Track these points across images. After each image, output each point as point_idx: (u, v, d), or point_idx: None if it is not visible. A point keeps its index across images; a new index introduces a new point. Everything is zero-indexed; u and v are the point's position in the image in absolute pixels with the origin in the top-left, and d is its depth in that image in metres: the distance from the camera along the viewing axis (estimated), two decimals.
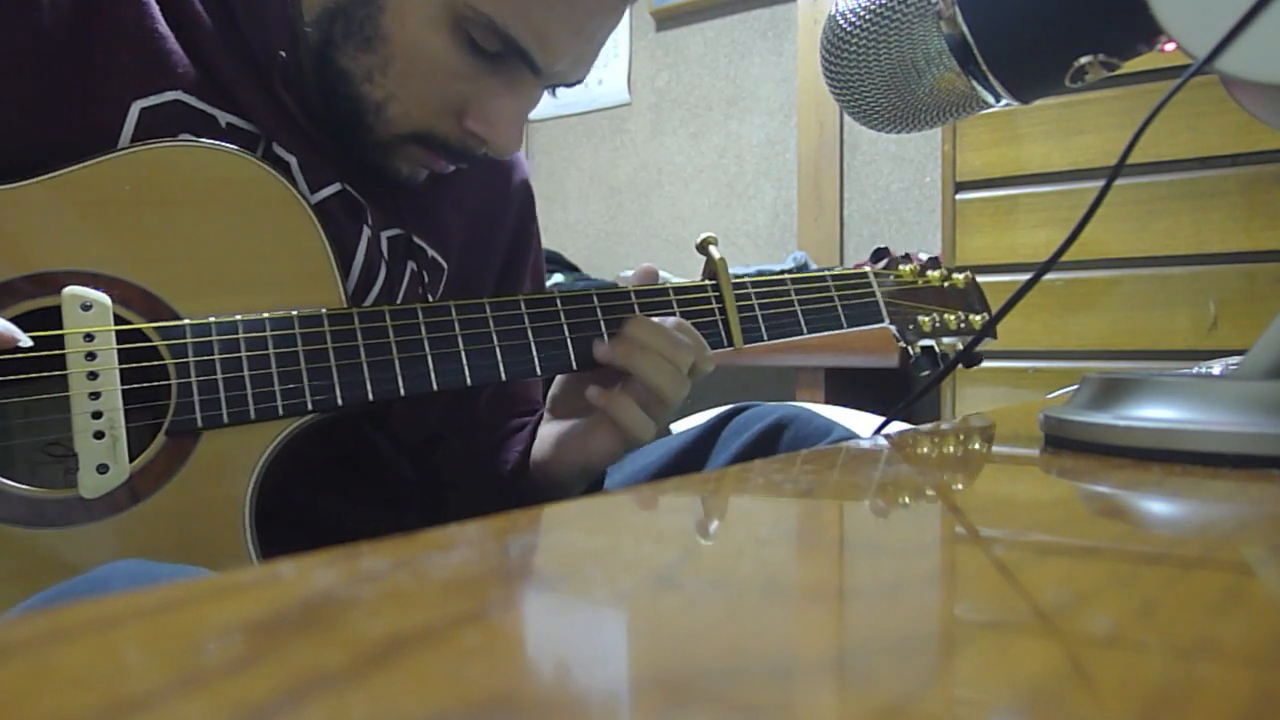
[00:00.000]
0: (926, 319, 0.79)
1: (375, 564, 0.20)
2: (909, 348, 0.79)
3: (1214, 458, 0.33)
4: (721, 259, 0.74)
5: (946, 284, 0.83)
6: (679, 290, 0.72)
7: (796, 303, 0.75)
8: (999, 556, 0.23)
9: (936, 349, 0.80)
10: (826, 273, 0.78)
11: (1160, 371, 0.40)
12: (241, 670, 0.14)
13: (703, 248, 0.75)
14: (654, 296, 0.70)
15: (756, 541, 0.25)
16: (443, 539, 0.22)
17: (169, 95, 0.62)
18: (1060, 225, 1.49)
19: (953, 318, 0.81)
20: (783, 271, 0.78)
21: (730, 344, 0.71)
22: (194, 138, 0.62)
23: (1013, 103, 0.52)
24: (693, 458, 0.80)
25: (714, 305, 0.72)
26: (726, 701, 0.13)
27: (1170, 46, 0.42)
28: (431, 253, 0.75)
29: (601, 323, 0.68)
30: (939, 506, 0.32)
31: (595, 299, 0.69)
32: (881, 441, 0.44)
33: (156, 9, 0.62)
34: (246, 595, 0.19)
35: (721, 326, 0.72)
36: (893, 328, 0.78)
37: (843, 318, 0.76)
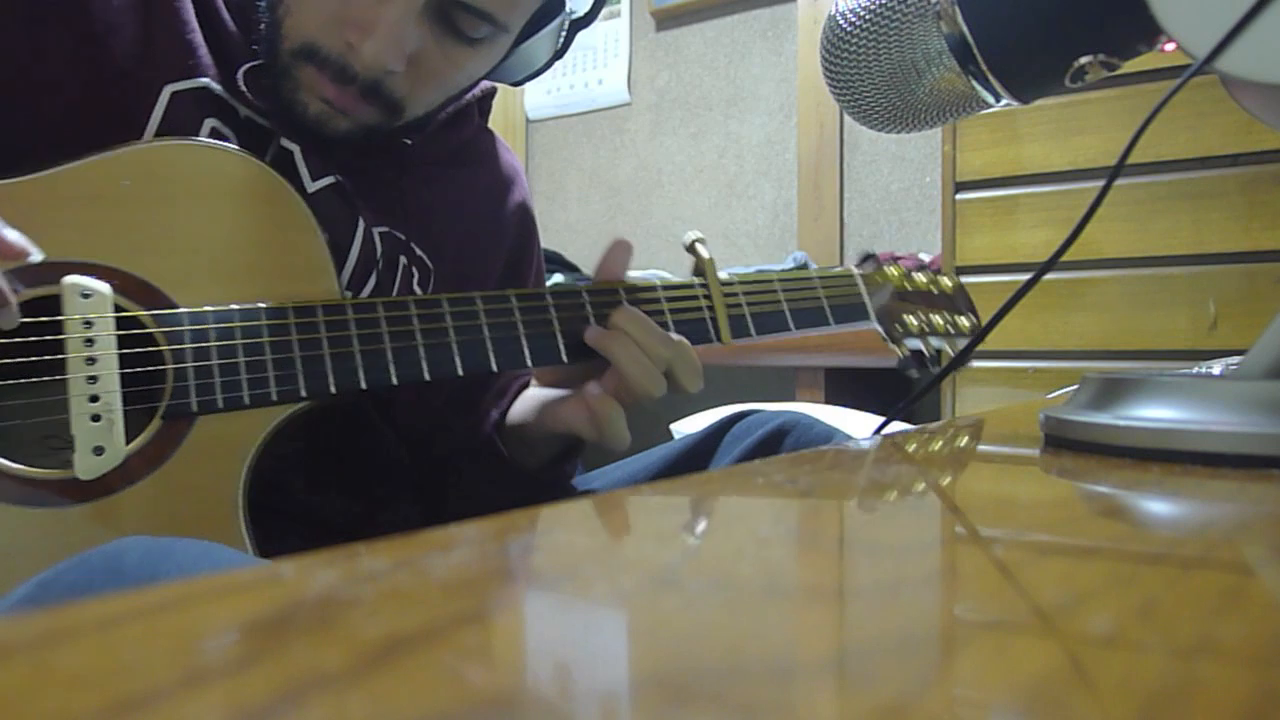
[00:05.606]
0: (913, 319, 0.80)
1: (375, 564, 0.20)
2: (896, 348, 0.80)
3: (1214, 458, 0.33)
4: (710, 258, 0.75)
5: (934, 288, 0.83)
6: (668, 288, 0.73)
7: (784, 301, 0.76)
8: (999, 556, 0.23)
9: (925, 352, 0.81)
10: (814, 273, 0.79)
11: (1160, 371, 0.40)
12: (241, 670, 0.14)
13: (691, 247, 0.76)
14: (643, 293, 0.72)
15: (756, 541, 0.25)
16: (443, 539, 0.22)
17: (199, 82, 0.65)
18: (1060, 225, 1.48)
19: (940, 319, 0.82)
20: (781, 272, 0.79)
21: (719, 340, 0.73)
22: (220, 125, 0.65)
23: (1013, 103, 0.52)
24: (695, 462, 0.80)
25: (703, 303, 0.73)
26: (726, 701, 0.13)
27: (1170, 46, 0.42)
28: (419, 251, 0.75)
29: (591, 317, 0.69)
30: (939, 506, 0.32)
31: (585, 294, 0.70)
32: (881, 442, 0.44)
33: (191, 9, 0.66)
34: (246, 595, 0.19)
35: (710, 324, 0.73)
36: (879, 327, 0.79)
37: (830, 316, 0.77)
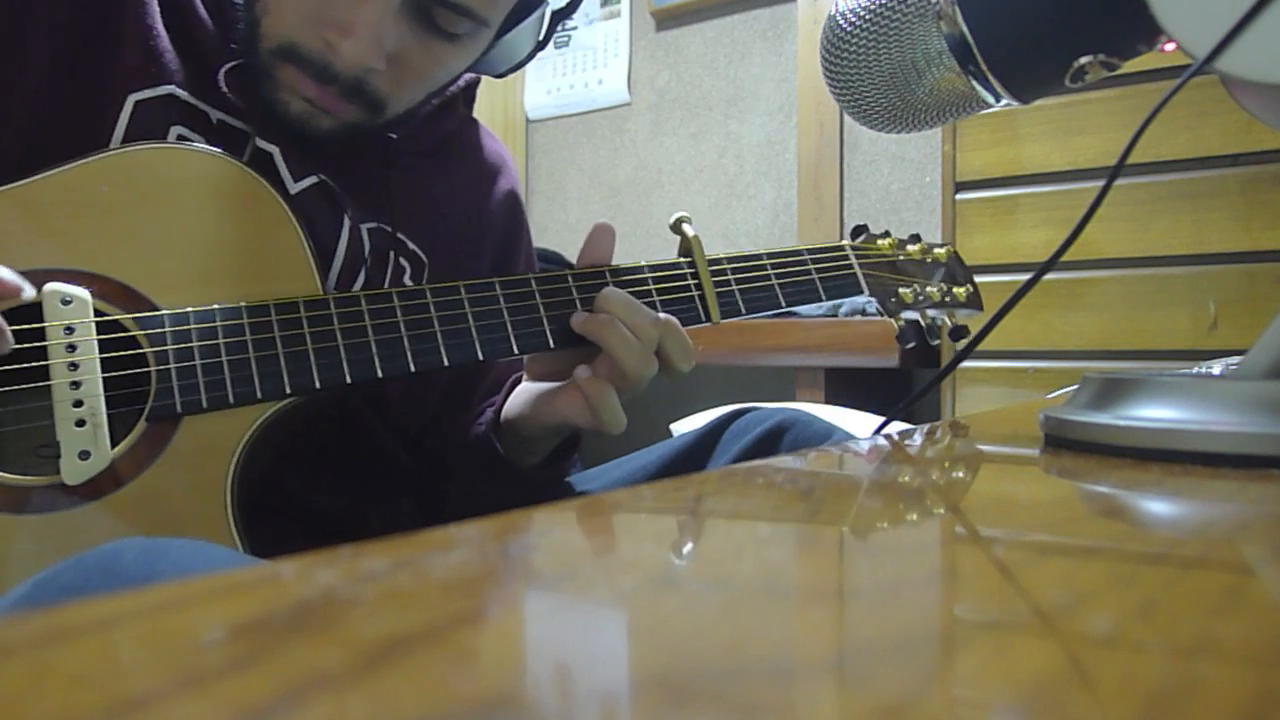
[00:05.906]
0: (908, 291, 0.78)
1: (375, 564, 0.20)
2: (892, 320, 0.79)
3: (1214, 458, 0.33)
4: (695, 236, 0.74)
5: (928, 258, 0.82)
6: (655, 268, 0.72)
7: (774, 277, 0.75)
8: (999, 556, 0.23)
9: (922, 323, 0.79)
10: (804, 248, 0.77)
11: (1160, 371, 0.40)
12: (241, 670, 0.14)
13: (676, 227, 0.75)
14: (629, 275, 0.71)
15: (756, 541, 0.25)
16: (443, 539, 0.22)
17: (163, 89, 0.64)
18: (1060, 225, 1.48)
19: (935, 290, 0.80)
20: (770, 250, 0.77)
21: (708, 319, 0.71)
22: (188, 131, 0.65)
23: (1013, 103, 0.52)
24: (693, 460, 0.80)
25: (690, 282, 0.72)
26: (726, 701, 0.13)
27: (1170, 46, 0.42)
28: (412, 245, 0.75)
29: (576, 302, 0.68)
30: (939, 506, 0.32)
31: (570, 279, 0.69)
32: (881, 442, 0.44)
33: (156, 9, 0.65)
34: (246, 595, 0.19)
35: (699, 302, 0.72)
36: (873, 300, 0.78)
37: (821, 291, 0.76)
